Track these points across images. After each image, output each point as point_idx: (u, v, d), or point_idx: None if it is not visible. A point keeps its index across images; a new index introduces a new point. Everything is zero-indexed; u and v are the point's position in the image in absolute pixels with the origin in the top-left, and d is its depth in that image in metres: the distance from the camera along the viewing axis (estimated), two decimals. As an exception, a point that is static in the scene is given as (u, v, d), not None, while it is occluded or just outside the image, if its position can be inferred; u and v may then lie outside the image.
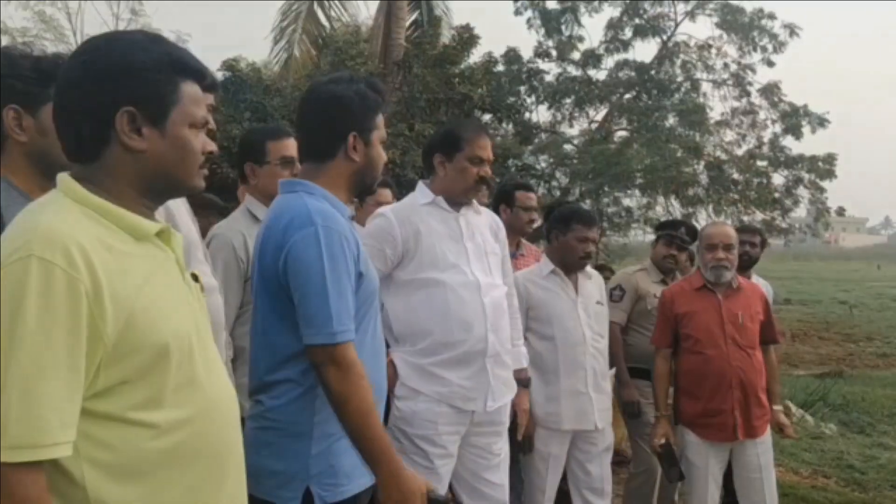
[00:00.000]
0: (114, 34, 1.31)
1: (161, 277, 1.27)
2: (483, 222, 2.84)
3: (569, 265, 3.47)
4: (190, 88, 1.30)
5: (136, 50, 1.26)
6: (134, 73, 1.24)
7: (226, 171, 7.36)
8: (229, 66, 10.53)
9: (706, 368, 3.38)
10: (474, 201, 2.83)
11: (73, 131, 1.26)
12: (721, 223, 3.50)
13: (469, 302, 2.63)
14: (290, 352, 1.84)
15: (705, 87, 12.66)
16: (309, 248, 1.80)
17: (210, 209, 3.54)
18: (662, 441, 3.43)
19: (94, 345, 1.14)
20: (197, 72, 1.32)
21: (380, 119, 2.02)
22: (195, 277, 1.41)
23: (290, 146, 2.64)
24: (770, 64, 12.28)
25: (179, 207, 2.00)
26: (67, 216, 1.19)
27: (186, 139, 1.30)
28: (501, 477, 2.79)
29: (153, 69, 1.26)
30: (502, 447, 2.80)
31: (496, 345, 2.68)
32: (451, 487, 2.86)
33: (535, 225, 4.11)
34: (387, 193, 3.61)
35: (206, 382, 1.30)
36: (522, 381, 3.04)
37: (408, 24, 12.45)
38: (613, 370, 3.80)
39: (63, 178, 1.27)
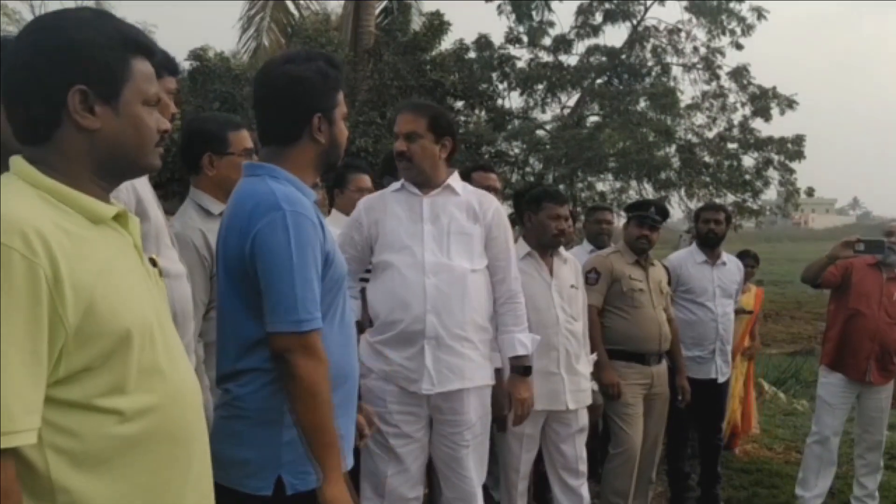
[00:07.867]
0: (61, 12, 1.28)
1: (120, 262, 1.24)
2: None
3: (544, 244, 3.50)
4: (141, 65, 1.28)
5: (86, 27, 1.23)
6: (85, 50, 1.21)
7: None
8: (197, 55, 10.36)
9: (856, 322, 4.35)
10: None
11: (23, 113, 1.22)
12: None
13: (411, 282, 2.64)
14: (256, 339, 1.79)
15: (675, 70, 12.72)
16: (276, 233, 1.74)
17: None
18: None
19: (55, 331, 1.11)
20: (146, 48, 1.30)
21: (340, 95, 1.96)
22: (153, 262, 1.38)
23: (248, 138, 2.54)
24: (739, 47, 12.36)
25: (147, 192, 1.95)
26: (23, 200, 1.16)
27: (140, 116, 1.28)
28: (470, 468, 2.76)
29: (104, 46, 1.23)
30: (470, 440, 2.74)
31: (437, 328, 2.63)
32: (428, 473, 2.86)
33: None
34: (366, 179, 3.58)
35: (169, 369, 1.27)
36: (518, 369, 2.91)
37: (377, 11, 12.36)
38: (594, 354, 3.80)
39: (16, 160, 1.23)
